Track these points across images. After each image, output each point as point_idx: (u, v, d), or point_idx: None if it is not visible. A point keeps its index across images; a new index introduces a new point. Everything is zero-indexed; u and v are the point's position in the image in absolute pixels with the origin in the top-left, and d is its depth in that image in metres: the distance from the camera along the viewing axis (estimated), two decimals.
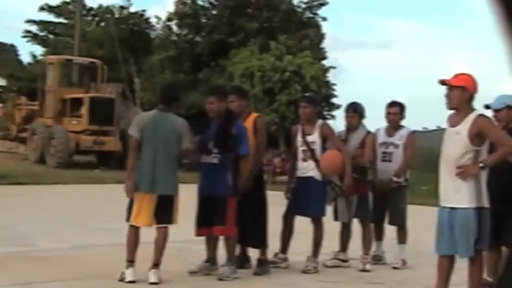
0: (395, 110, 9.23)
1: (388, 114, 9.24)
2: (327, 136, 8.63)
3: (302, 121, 8.80)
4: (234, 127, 7.83)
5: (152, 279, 7.46)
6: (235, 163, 7.81)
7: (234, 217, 7.78)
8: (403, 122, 9.35)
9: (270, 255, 8.53)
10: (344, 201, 8.85)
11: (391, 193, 9.09)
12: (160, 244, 7.61)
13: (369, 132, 9.04)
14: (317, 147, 8.58)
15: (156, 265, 7.57)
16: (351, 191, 8.66)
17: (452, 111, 6.44)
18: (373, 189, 8.97)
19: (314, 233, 8.64)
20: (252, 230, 8.27)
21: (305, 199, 8.53)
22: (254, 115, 8.52)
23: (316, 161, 8.52)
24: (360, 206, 8.85)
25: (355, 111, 9.03)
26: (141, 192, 7.62)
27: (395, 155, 9.11)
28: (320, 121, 8.76)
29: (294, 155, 8.79)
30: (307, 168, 8.59)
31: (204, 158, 7.88)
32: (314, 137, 8.60)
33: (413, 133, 9.42)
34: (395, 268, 9.04)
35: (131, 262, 7.60)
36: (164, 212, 7.62)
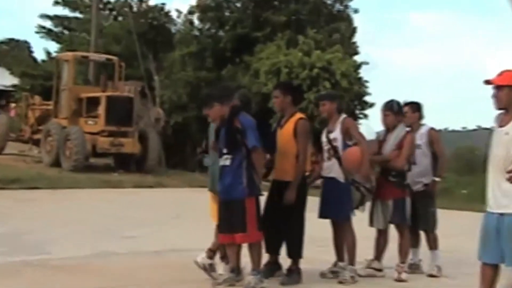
0: (407, 110, 9.26)
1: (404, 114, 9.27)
2: (348, 129, 8.61)
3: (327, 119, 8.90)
4: (238, 120, 7.79)
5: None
6: (250, 160, 7.73)
7: (255, 220, 7.70)
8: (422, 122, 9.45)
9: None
10: (380, 206, 8.84)
11: (419, 197, 9.09)
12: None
13: (408, 132, 9.00)
14: (339, 143, 8.58)
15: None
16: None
17: (500, 111, 6.38)
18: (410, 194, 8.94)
19: (341, 238, 8.61)
20: (287, 239, 8.29)
21: (329, 201, 8.56)
22: (297, 116, 8.41)
23: (339, 159, 8.53)
24: (397, 211, 8.79)
25: (391, 109, 8.99)
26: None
27: (418, 156, 9.13)
28: (342, 116, 8.74)
29: (321, 156, 8.82)
30: (330, 168, 8.61)
31: (219, 162, 7.89)
32: (336, 133, 8.63)
33: (432, 129, 9.44)
34: (431, 276, 9.02)
35: (222, 258, 8.19)
36: None
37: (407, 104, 9.35)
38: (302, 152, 8.24)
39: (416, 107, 9.38)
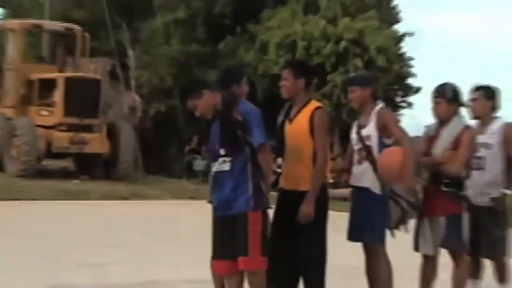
0: (479, 96, 9.20)
1: (471, 101, 9.20)
2: (385, 124, 8.47)
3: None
4: (237, 111, 7.71)
5: None
6: (256, 162, 7.67)
7: (259, 242, 7.59)
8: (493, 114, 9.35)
9: None
10: (428, 225, 8.74)
11: (484, 214, 9.03)
12: None
13: (467, 127, 8.84)
14: (374, 142, 8.47)
15: None
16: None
17: None
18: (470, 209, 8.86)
19: (371, 267, 8.58)
20: (304, 269, 8.19)
21: (360, 219, 8.51)
22: (313, 104, 8.30)
23: (373, 163, 8.46)
24: (451, 231, 8.65)
25: (444, 95, 8.84)
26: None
27: (488, 159, 9.07)
28: (378, 106, 8.62)
29: (349, 158, 8.79)
30: (361, 175, 8.53)
31: (213, 167, 7.83)
32: (370, 129, 8.51)
33: (509, 124, 9.34)
34: None
35: None
36: None
37: (479, 88, 9.27)
38: (320, 152, 8.10)
39: (490, 93, 9.27)
